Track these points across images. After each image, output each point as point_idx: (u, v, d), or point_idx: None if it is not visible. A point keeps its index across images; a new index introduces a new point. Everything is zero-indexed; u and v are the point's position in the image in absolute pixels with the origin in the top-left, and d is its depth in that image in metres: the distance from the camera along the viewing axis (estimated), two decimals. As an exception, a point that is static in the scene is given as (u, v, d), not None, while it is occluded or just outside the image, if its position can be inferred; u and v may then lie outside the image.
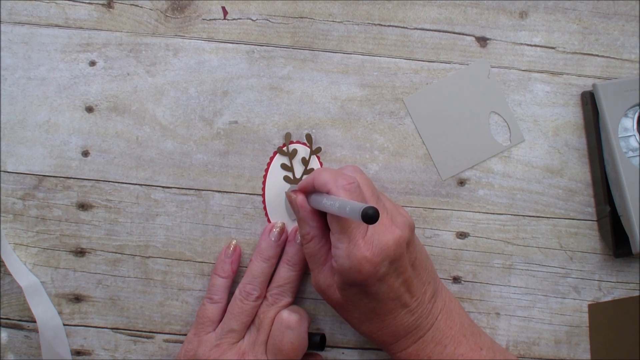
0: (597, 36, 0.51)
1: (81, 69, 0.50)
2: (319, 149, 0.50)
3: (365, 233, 0.41)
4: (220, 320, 0.48)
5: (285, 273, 0.48)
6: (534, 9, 0.51)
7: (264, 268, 0.48)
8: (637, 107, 0.48)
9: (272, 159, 0.50)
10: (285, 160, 0.50)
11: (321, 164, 0.50)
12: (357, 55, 0.51)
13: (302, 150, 0.50)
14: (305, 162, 0.50)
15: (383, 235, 0.41)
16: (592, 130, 0.49)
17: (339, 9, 0.51)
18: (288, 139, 0.50)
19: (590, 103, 0.49)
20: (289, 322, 0.45)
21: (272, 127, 0.51)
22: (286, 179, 0.50)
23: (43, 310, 0.49)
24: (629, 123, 0.48)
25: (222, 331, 0.46)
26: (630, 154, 0.48)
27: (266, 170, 0.50)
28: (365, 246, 0.40)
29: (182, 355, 0.47)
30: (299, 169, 0.50)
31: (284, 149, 0.50)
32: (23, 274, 0.49)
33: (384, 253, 0.41)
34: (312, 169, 0.50)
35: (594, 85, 0.49)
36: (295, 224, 0.49)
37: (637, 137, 0.48)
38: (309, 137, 0.50)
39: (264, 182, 0.50)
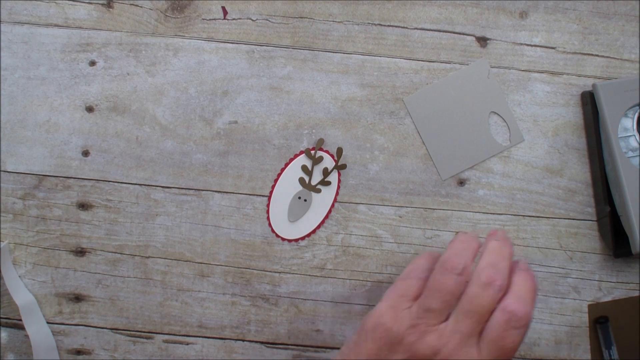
0: (597, 36, 0.51)
1: (81, 68, 0.50)
2: (344, 166, 0.50)
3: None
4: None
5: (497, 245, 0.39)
6: (534, 9, 0.51)
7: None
8: (637, 107, 0.48)
9: (296, 156, 0.50)
10: (308, 163, 0.50)
11: (339, 181, 0.50)
12: (357, 55, 0.51)
13: (328, 161, 0.50)
14: (326, 172, 0.50)
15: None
16: (592, 130, 0.49)
17: (339, 9, 0.51)
18: (319, 145, 0.50)
19: (590, 103, 0.49)
20: (520, 317, 0.36)
21: (272, 127, 0.50)
22: (301, 181, 0.50)
23: (37, 329, 0.49)
24: (629, 123, 0.48)
25: (419, 309, 0.38)
26: (630, 154, 0.48)
27: (286, 165, 0.50)
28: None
29: (371, 325, 0.38)
30: (316, 177, 0.50)
31: (312, 152, 0.50)
32: (20, 292, 0.50)
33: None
34: (329, 182, 0.50)
35: (593, 85, 0.49)
36: (294, 225, 0.49)
37: (637, 137, 0.48)
38: (339, 151, 0.50)
39: (278, 175, 0.50)
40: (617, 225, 0.48)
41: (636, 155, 0.48)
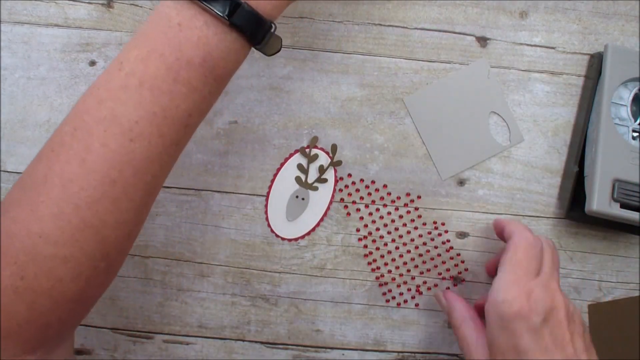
0: (597, 36, 0.51)
1: (81, 68, 0.50)
2: (339, 162, 0.50)
3: (526, 281, 0.40)
4: None
5: None
6: (534, 9, 0.51)
7: None
8: (638, 82, 0.48)
9: (291, 155, 0.50)
10: (303, 161, 0.50)
11: (336, 178, 0.50)
12: (357, 55, 0.51)
13: (323, 158, 0.50)
14: (322, 170, 0.50)
15: (544, 292, 0.40)
16: (587, 95, 0.49)
17: (339, 9, 0.51)
18: (313, 143, 0.50)
19: (596, 65, 0.49)
20: None
21: (272, 127, 0.50)
22: (297, 179, 0.50)
23: None
24: (626, 94, 0.49)
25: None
26: (617, 121, 0.48)
27: (282, 164, 0.50)
28: (524, 286, 0.39)
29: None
30: (312, 175, 0.50)
31: (307, 150, 0.50)
32: None
33: (541, 302, 0.39)
34: (326, 179, 0.50)
35: (605, 46, 0.49)
36: (293, 224, 0.48)
37: (629, 110, 0.48)
38: (334, 147, 0.50)
39: (275, 175, 0.50)
40: (577, 190, 0.49)
41: (622, 125, 0.48)
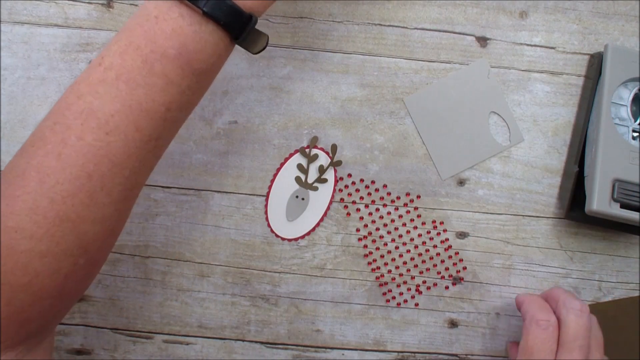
0: (597, 36, 0.51)
1: (81, 68, 0.50)
2: (339, 162, 0.50)
3: None
4: None
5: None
6: (534, 9, 0.51)
7: None
8: (638, 82, 0.48)
9: (291, 155, 0.50)
10: (303, 161, 0.50)
11: (336, 178, 0.50)
12: (357, 55, 0.51)
13: (323, 158, 0.50)
14: (321, 170, 0.50)
15: None
16: (587, 95, 0.49)
17: (339, 9, 0.51)
18: (313, 143, 0.50)
19: (596, 65, 0.49)
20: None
21: (272, 127, 0.50)
22: (297, 179, 0.50)
23: None
24: (626, 94, 0.49)
25: None
26: (617, 121, 0.48)
27: (282, 164, 0.50)
28: None
29: None
30: (312, 175, 0.50)
31: (307, 150, 0.50)
32: None
33: None
34: (326, 179, 0.50)
35: (605, 46, 0.49)
36: (293, 224, 0.48)
37: (629, 110, 0.48)
38: (334, 147, 0.50)
39: (275, 175, 0.50)
40: (577, 190, 0.49)
41: (622, 125, 0.48)
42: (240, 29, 0.35)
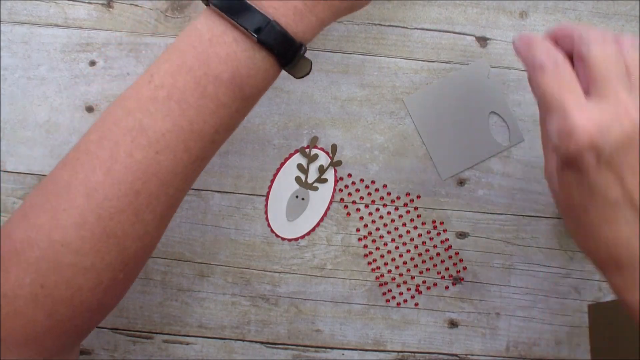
0: (597, 36, 0.51)
1: (81, 68, 0.50)
2: (339, 162, 0.50)
3: (583, 105, 0.31)
4: None
5: None
6: (534, 9, 0.51)
7: None
8: None
9: (291, 155, 0.50)
10: (303, 161, 0.50)
11: (336, 178, 0.50)
12: (357, 55, 0.51)
13: (323, 158, 0.50)
14: (322, 170, 0.50)
15: (611, 114, 0.31)
16: None
17: (339, 9, 0.51)
18: (313, 143, 0.50)
19: None
20: None
21: (272, 127, 0.50)
22: (297, 179, 0.50)
23: None
24: None
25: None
26: None
27: (281, 164, 0.50)
28: (581, 115, 0.31)
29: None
30: (312, 175, 0.50)
31: (307, 150, 0.50)
32: None
33: (606, 130, 0.30)
34: (326, 179, 0.50)
35: None
36: (293, 224, 0.48)
37: None
38: (334, 147, 0.50)
39: (275, 175, 0.50)
40: None
41: None
42: (291, 57, 0.35)
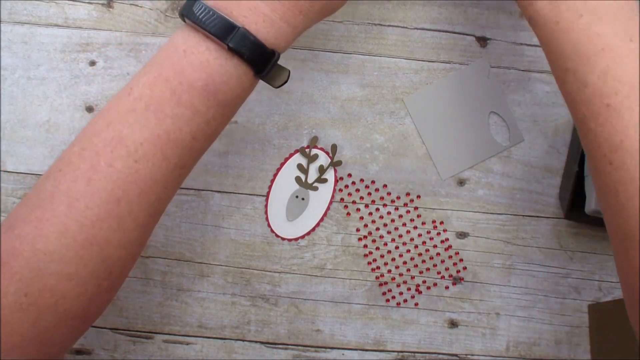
0: (597, 36, 0.51)
1: (81, 68, 0.50)
2: (339, 162, 0.50)
3: None
4: None
5: None
6: (534, 9, 0.51)
7: None
8: None
9: (291, 155, 0.50)
10: (303, 161, 0.50)
11: (336, 178, 0.50)
12: (357, 55, 0.51)
13: (323, 158, 0.50)
14: (322, 170, 0.50)
15: None
16: None
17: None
18: (313, 143, 0.50)
19: None
20: None
21: (272, 127, 0.50)
22: (297, 179, 0.50)
23: None
24: None
25: None
26: None
27: (282, 164, 0.50)
28: None
29: None
30: (312, 175, 0.50)
31: (307, 150, 0.50)
32: None
33: None
34: (326, 179, 0.50)
35: None
36: (293, 224, 0.49)
37: None
38: (334, 147, 0.50)
39: (275, 175, 0.50)
40: (577, 190, 0.48)
41: None
42: (262, 64, 0.36)
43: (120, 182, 0.34)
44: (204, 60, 0.35)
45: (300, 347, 0.51)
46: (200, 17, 0.35)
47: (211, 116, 0.36)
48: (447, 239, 0.51)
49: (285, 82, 0.39)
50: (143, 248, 0.38)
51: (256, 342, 0.51)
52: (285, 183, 0.50)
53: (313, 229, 0.51)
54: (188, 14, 0.35)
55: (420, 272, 0.51)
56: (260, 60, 0.36)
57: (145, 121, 0.35)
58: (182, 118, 0.35)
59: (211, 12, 0.35)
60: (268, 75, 0.37)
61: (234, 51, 0.35)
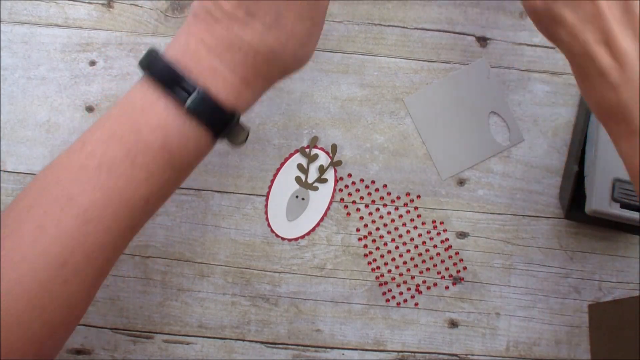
0: (597, 36, 0.51)
1: (81, 68, 0.50)
2: (339, 162, 0.50)
3: None
4: None
5: None
6: (534, 9, 0.51)
7: None
8: None
9: (291, 155, 0.50)
10: (303, 161, 0.50)
11: (336, 178, 0.50)
12: (357, 55, 0.51)
13: (323, 158, 0.50)
14: (322, 170, 0.50)
15: None
16: None
17: (339, 9, 0.51)
18: (313, 143, 0.50)
19: None
20: None
21: (272, 127, 0.50)
22: (297, 179, 0.50)
23: None
24: None
25: None
26: None
27: (282, 164, 0.50)
28: None
29: None
30: (312, 175, 0.50)
31: (307, 150, 0.50)
32: None
33: None
34: (326, 179, 0.50)
35: None
36: (293, 224, 0.49)
37: None
38: (334, 147, 0.50)
39: (275, 175, 0.50)
40: (577, 190, 0.48)
41: None
42: (221, 126, 0.35)
43: (67, 244, 0.32)
44: (161, 121, 0.33)
45: (300, 347, 0.51)
46: (160, 73, 0.33)
47: (166, 179, 0.34)
48: (447, 239, 0.51)
49: (245, 141, 0.37)
50: (89, 305, 0.36)
51: (256, 342, 0.51)
52: (285, 183, 0.50)
53: (313, 229, 0.51)
54: (149, 67, 0.33)
55: (420, 272, 0.51)
56: (219, 123, 0.34)
57: (97, 180, 0.33)
58: (136, 180, 0.33)
59: (171, 70, 0.33)
60: (227, 136, 0.36)
61: (193, 113, 0.33)
